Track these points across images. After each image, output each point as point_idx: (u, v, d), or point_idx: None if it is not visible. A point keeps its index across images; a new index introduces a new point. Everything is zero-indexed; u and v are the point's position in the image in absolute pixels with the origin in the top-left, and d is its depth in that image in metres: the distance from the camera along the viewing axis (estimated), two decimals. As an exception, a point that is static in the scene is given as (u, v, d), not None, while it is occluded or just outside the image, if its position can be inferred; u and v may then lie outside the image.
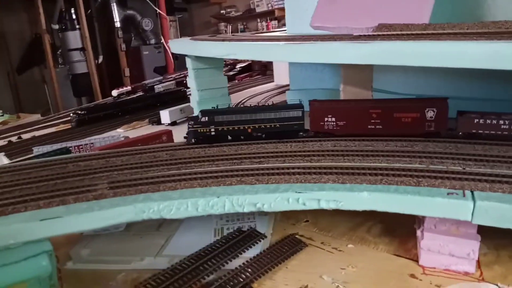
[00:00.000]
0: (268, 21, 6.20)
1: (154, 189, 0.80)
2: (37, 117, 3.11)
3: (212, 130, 1.04)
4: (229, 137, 1.05)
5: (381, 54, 0.81)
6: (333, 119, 1.04)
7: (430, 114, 0.97)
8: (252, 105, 1.09)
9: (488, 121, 0.94)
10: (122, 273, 0.89)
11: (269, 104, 1.09)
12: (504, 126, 0.93)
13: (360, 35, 0.95)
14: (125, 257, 0.93)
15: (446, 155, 0.89)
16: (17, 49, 5.67)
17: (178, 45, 1.52)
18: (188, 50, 1.46)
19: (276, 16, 6.02)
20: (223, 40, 1.28)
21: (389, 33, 0.94)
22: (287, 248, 0.91)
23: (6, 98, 5.56)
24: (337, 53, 0.87)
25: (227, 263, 0.87)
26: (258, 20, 6.32)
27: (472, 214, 0.70)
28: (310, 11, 1.49)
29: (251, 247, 0.92)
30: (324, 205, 0.78)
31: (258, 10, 6.22)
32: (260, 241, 0.95)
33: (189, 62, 1.55)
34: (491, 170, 0.81)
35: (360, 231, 0.98)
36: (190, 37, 1.70)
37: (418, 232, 0.85)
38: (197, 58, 1.48)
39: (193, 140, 1.05)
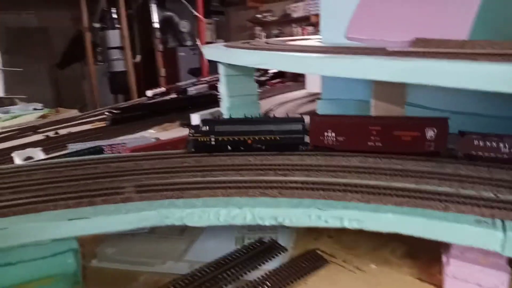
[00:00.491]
0: (304, 26, 6.19)
1: (179, 195, 0.81)
2: (74, 112, 3.23)
3: (212, 139, 1.05)
4: (229, 147, 1.06)
5: (414, 72, 0.79)
6: (333, 134, 1.03)
7: (430, 133, 0.96)
8: (253, 117, 1.10)
9: (488, 144, 0.92)
10: (144, 275, 0.91)
11: (271, 116, 1.09)
12: (505, 150, 0.91)
13: (394, 51, 0.93)
14: (148, 259, 0.96)
15: (478, 179, 0.86)
16: (59, 45, 5.91)
17: (211, 52, 1.55)
18: (220, 57, 1.48)
19: (311, 22, 6.00)
20: (255, 49, 1.28)
21: (424, 50, 0.92)
22: (307, 263, 0.90)
23: (47, 91, 5.81)
24: (369, 69, 0.86)
25: (246, 273, 0.87)
26: (294, 25, 6.31)
27: (503, 245, 0.67)
28: (345, 21, 1.47)
29: (271, 259, 0.92)
30: (346, 224, 0.77)
31: (294, 15, 6.22)
32: (280, 253, 0.94)
33: (221, 68, 1.57)
34: (526, 199, 0.78)
35: (384, 251, 0.96)
36: (224, 43, 1.72)
37: (444, 258, 0.83)
38: (229, 65, 1.50)
39: (192, 149, 1.06)
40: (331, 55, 0.98)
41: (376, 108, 1.13)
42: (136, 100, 3.75)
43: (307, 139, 1.08)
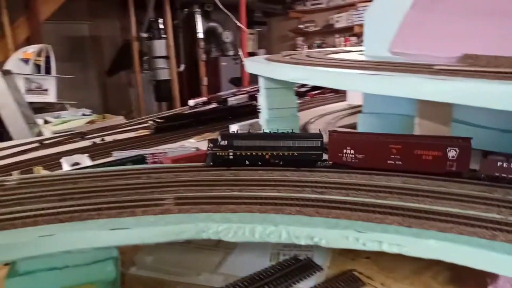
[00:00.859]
0: (347, 37, 6.13)
1: (216, 209, 0.82)
2: (120, 119, 3.37)
3: (231, 154, 1.05)
4: (247, 162, 1.06)
5: (461, 93, 0.76)
6: (352, 151, 1.02)
7: (452, 153, 0.94)
8: (272, 132, 1.09)
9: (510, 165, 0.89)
10: (180, 285, 0.92)
11: (289, 132, 1.08)
12: None
13: (441, 70, 0.90)
14: (183, 269, 0.97)
15: (530, 207, 0.81)
16: (109, 53, 6.19)
17: (252, 65, 1.56)
18: (261, 71, 1.49)
19: (355, 32, 5.93)
20: (296, 63, 1.28)
21: (472, 68, 0.88)
22: (343, 284, 0.88)
23: (96, 97, 6.08)
24: (413, 89, 0.84)
25: (280, 291, 0.87)
26: (336, 35, 6.26)
27: (557, 281, 0.63)
28: (390, 35, 1.44)
29: (305, 278, 0.91)
30: (385, 248, 0.75)
31: (337, 25, 6.17)
32: (315, 273, 0.93)
33: (261, 81, 1.58)
34: None
35: (425, 276, 0.92)
36: (265, 56, 1.73)
37: (491, 288, 0.78)
38: (270, 78, 1.50)
39: (211, 163, 1.07)
40: (373, 72, 0.96)
41: (421, 127, 1.09)
42: (178, 109, 3.85)
43: (326, 156, 1.07)
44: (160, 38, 5.80)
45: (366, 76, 0.93)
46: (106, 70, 6.23)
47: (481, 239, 0.71)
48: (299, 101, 3.10)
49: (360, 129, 2.03)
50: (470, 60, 1.17)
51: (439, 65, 0.98)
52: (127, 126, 2.48)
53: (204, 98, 2.96)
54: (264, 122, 1.66)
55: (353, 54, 1.96)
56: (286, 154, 1.04)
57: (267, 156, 1.05)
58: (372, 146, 1.01)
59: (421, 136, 1.09)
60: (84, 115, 3.55)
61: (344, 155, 1.03)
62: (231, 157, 1.05)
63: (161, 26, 5.80)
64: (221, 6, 4.58)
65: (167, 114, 2.71)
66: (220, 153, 1.05)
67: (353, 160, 1.03)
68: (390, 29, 1.45)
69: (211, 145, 1.07)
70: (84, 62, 5.98)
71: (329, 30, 6.29)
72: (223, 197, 0.88)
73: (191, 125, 2.21)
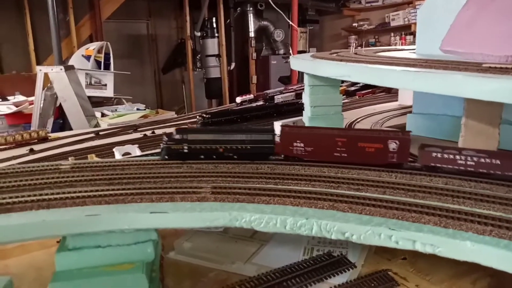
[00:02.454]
0: (403, 35, 5.92)
1: (249, 200, 0.84)
2: (171, 114, 3.51)
3: (185, 147, 1.06)
4: (202, 156, 1.08)
5: (509, 92, 0.72)
6: (302, 144, 1.05)
7: (392, 146, 0.99)
8: (225, 127, 1.09)
9: (446, 156, 0.96)
10: (214, 272, 0.96)
11: (242, 127, 1.08)
12: (461, 162, 0.94)
13: (490, 67, 0.86)
14: (219, 257, 1.01)
15: None
16: (164, 51, 6.44)
17: (297, 62, 1.57)
18: (305, 68, 1.50)
19: (412, 31, 5.72)
20: (340, 60, 1.27)
21: (525, 66, 0.83)
22: (376, 283, 0.87)
23: (150, 93, 6.36)
24: (458, 87, 0.81)
25: (311, 285, 0.88)
26: (392, 34, 6.07)
27: None
28: (442, 33, 1.39)
29: (338, 274, 0.91)
30: (419, 248, 0.73)
31: (393, 24, 5.99)
32: (349, 270, 0.92)
33: (306, 78, 1.58)
34: None
35: (464, 281, 0.88)
36: (311, 54, 1.73)
37: (534, 298, 0.74)
38: (314, 75, 1.50)
39: (166, 157, 1.08)
40: (418, 69, 0.94)
41: (467, 127, 1.05)
42: (226, 105, 3.93)
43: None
44: (213, 37, 5.94)
45: (408, 73, 0.91)
46: (161, 67, 6.49)
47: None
48: (347, 100, 3.06)
49: (408, 129, 1.97)
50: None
51: (489, 63, 0.94)
52: (177, 121, 2.58)
53: (251, 96, 3.00)
54: (307, 119, 1.66)
55: (404, 52, 1.91)
56: (240, 147, 1.06)
57: (221, 150, 1.07)
58: (319, 139, 1.05)
59: (365, 130, 1.22)
60: (138, 109, 3.73)
61: (294, 148, 1.07)
62: (185, 150, 1.07)
63: (214, 25, 5.94)
64: (273, 5, 4.60)
65: (214, 110, 2.78)
66: (175, 147, 1.07)
67: (302, 153, 1.06)
68: (442, 28, 1.40)
69: (166, 138, 1.09)
70: (141, 60, 6.28)
71: (384, 29, 6.12)
72: (258, 188, 0.90)
73: (236, 121, 2.25)
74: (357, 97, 3.18)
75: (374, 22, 6.32)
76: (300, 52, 5.99)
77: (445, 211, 0.79)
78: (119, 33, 5.86)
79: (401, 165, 1.03)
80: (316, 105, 1.56)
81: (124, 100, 4.19)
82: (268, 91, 3.03)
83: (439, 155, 0.97)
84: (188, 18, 5.80)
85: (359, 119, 2.20)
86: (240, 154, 1.08)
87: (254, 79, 6.23)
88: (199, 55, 6.12)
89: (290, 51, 5.49)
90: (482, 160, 0.93)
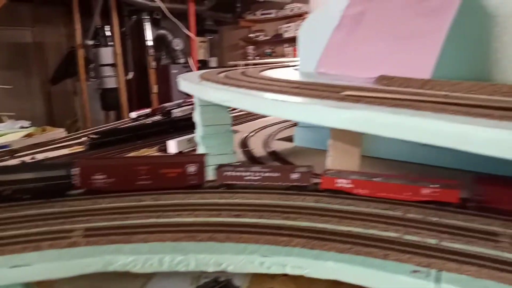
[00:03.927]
0: (295, 46, 6.27)
1: (126, 240, 0.82)
2: (60, 131, 3.23)
3: None
4: None
5: (358, 122, 0.81)
6: (103, 176, 1.07)
7: (191, 169, 1.10)
8: (12, 165, 1.04)
9: (237, 174, 1.10)
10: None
11: (34, 163, 1.07)
12: (250, 177, 1.09)
13: (347, 95, 0.95)
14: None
15: (425, 225, 0.88)
16: (53, 60, 5.95)
17: (186, 85, 1.56)
18: (193, 91, 1.51)
19: (303, 41, 6.06)
20: (224, 84, 1.30)
21: (374, 95, 0.94)
22: (257, 305, 0.91)
23: (39, 107, 5.82)
24: (319, 117, 0.88)
25: (196, 315, 0.88)
26: (285, 45, 6.39)
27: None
28: (320, 53, 1.51)
29: (222, 301, 0.93)
30: (289, 271, 0.78)
31: (286, 35, 6.29)
32: (233, 294, 0.95)
33: (195, 97, 1.59)
34: (466, 246, 0.79)
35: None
36: (200, 74, 1.74)
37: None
38: (201, 96, 1.52)
39: None
40: (287, 97, 0.99)
41: (333, 148, 1.15)
42: (118, 122, 3.72)
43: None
44: (107, 45, 5.65)
45: (277, 102, 0.97)
46: (50, 78, 5.98)
47: (374, 259, 0.76)
48: (243, 112, 3.12)
49: (296, 141, 2.09)
50: (385, 81, 1.25)
51: (350, 88, 1.03)
52: (63, 142, 2.40)
53: (147, 110, 2.92)
54: (199, 139, 1.66)
55: (289, 69, 2.02)
56: (32, 187, 1.01)
57: (9, 192, 0.99)
58: (120, 169, 1.08)
59: (165, 156, 1.34)
60: (22, 127, 3.38)
61: (94, 180, 1.07)
62: None
63: (108, 33, 5.65)
64: (168, 15, 4.55)
65: (104, 129, 2.64)
66: None
67: (104, 185, 1.07)
68: (321, 48, 1.51)
69: None
70: (26, 70, 5.71)
71: (278, 40, 6.41)
72: (135, 226, 0.87)
73: (129, 140, 2.16)
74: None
75: (269, 34, 6.59)
76: (201, 61, 5.99)
77: (313, 231, 0.86)
78: (-1, 41, 5.27)
79: (201, 186, 1.10)
80: (207, 124, 1.58)
81: (5, 117, 3.77)
82: (166, 104, 2.98)
83: (232, 173, 1.08)
84: (78, 25, 5.43)
85: (253, 133, 2.28)
86: (35, 193, 1.01)
87: (155, 88, 6.06)
88: (93, 64, 5.77)
89: (190, 61, 5.47)
90: (267, 174, 1.07)
